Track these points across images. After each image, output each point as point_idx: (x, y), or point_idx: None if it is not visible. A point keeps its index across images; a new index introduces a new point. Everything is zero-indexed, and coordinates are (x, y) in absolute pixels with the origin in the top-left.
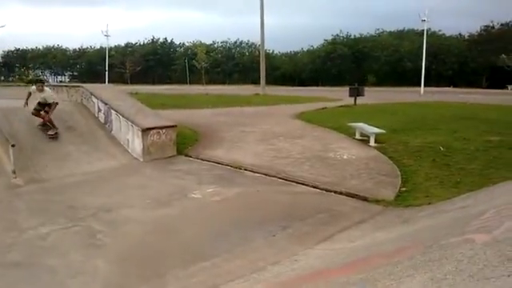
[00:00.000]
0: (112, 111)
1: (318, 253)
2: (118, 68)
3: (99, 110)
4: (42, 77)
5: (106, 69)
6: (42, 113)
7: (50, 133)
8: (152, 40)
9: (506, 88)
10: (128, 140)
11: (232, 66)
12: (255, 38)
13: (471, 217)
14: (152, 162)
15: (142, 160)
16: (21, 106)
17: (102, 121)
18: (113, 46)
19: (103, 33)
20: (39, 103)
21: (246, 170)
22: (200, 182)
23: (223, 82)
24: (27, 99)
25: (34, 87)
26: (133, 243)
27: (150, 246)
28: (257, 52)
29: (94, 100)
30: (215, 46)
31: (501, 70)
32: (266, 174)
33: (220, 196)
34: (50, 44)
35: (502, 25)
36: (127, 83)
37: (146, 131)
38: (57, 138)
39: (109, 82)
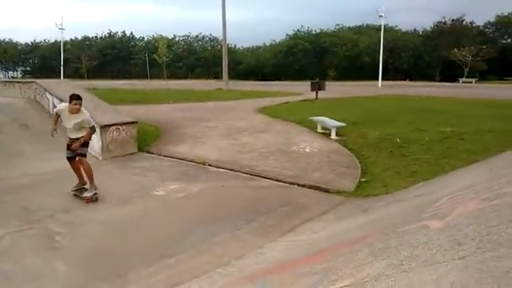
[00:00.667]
0: None
1: (283, 245)
2: (73, 63)
3: (54, 107)
4: None
5: (61, 63)
6: (77, 159)
7: (87, 195)
8: (110, 33)
9: (458, 81)
10: None
11: (194, 60)
12: (217, 33)
13: (426, 204)
14: (112, 160)
15: (101, 158)
16: None
17: None
18: (68, 39)
19: (57, 26)
20: (68, 147)
21: (210, 165)
22: (163, 178)
23: (185, 77)
24: (55, 123)
25: (63, 105)
26: (93, 244)
27: (111, 246)
28: (219, 46)
29: (49, 96)
30: (176, 39)
31: (453, 63)
32: (230, 169)
33: (184, 192)
34: (0, 38)
35: (453, 20)
36: (84, 78)
37: (104, 128)
38: (96, 200)
39: (64, 77)
